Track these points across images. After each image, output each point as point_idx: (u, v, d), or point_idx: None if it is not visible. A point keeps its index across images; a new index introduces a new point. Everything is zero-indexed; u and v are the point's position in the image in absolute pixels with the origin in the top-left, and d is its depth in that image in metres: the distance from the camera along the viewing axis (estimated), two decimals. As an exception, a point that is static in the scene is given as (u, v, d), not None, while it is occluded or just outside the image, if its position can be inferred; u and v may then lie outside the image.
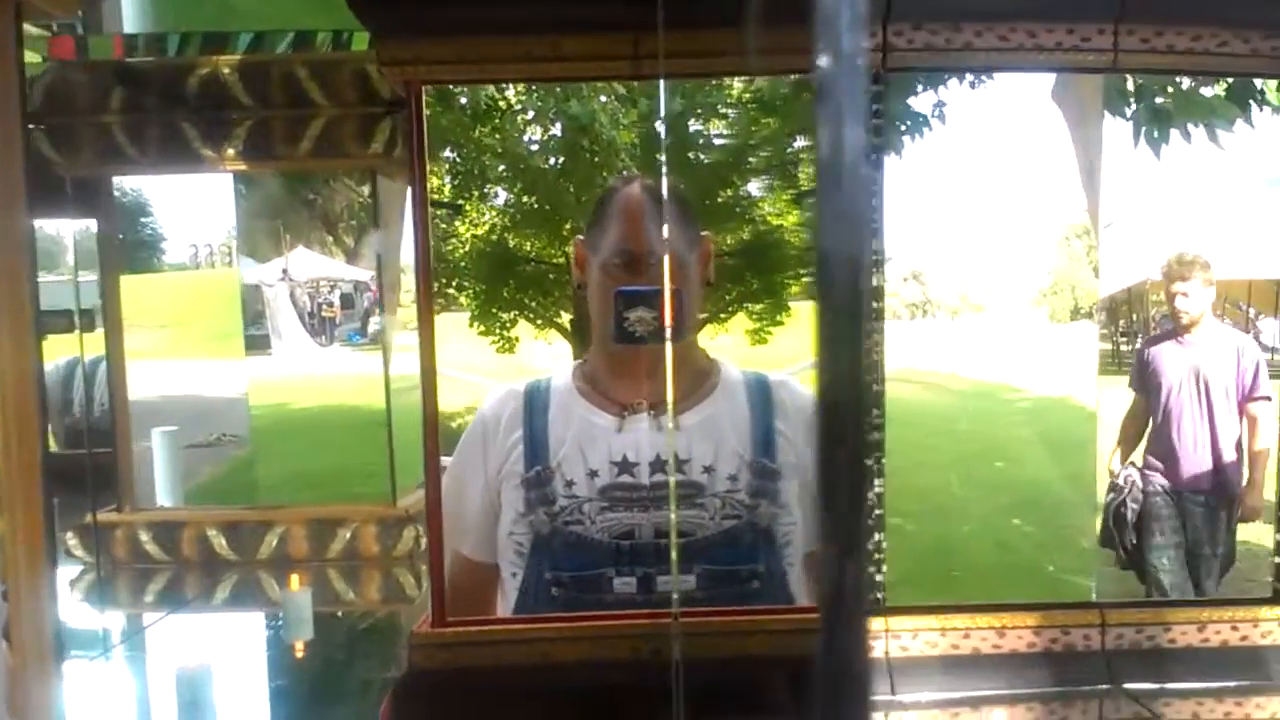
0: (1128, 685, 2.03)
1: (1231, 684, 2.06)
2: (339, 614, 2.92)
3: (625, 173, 2.29)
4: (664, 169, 2.06)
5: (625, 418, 1.99)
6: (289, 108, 3.05)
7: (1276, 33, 2.08)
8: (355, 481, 3.56)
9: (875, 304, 2.07)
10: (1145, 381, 3.31)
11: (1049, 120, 2.77)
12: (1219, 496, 3.02)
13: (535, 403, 2.02)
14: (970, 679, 2.02)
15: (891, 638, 2.03)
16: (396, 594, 3.03)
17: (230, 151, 3.09)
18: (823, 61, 0.40)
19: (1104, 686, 2.03)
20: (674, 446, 1.95)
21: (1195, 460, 3.16)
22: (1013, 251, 4.09)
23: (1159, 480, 3.20)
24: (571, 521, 1.95)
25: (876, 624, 2.03)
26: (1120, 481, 3.22)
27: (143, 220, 4.14)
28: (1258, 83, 3.46)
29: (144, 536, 3.26)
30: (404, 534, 3.18)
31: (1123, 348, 3.81)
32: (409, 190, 2.03)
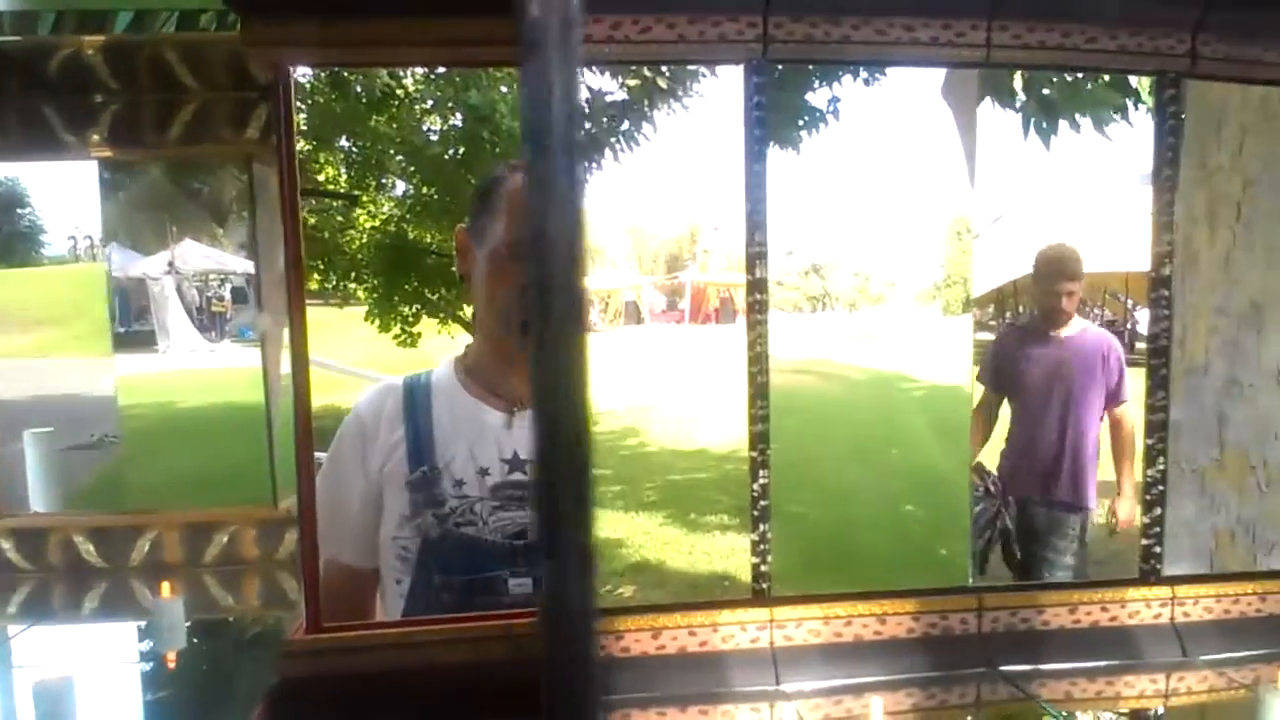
0: (1004, 667, 2.08)
1: (1102, 663, 2.12)
2: (219, 621, 2.81)
3: (511, 161, 2.23)
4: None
5: (515, 413, 1.93)
6: (158, 91, 2.92)
7: (1142, 30, 2.15)
8: (239, 482, 3.43)
9: (761, 296, 2.06)
10: (1001, 378, 3.19)
11: (939, 116, 2.82)
12: (1076, 508, 2.96)
13: (416, 399, 1.94)
14: (852, 666, 2.04)
15: (776, 628, 2.04)
16: (279, 599, 2.93)
17: (95, 138, 2.94)
18: (534, 10, 0.37)
19: (981, 669, 2.07)
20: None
21: (1054, 467, 3.06)
22: (908, 245, 4.17)
23: (1022, 486, 3.08)
24: (463, 523, 1.88)
25: (761, 614, 2.04)
26: (990, 488, 3.08)
27: (19, 211, 3.93)
28: (1133, 81, 3.59)
29: (5, 545, 3.09)
30: (286, 536, 3.08)
31: (1009, 338, 3.89)
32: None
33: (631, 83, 4.78)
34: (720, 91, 2.11)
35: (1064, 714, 1.97)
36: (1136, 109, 3.63)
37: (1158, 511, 2.20)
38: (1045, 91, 3.45)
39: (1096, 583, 2.27)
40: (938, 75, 2.70)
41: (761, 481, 2.00)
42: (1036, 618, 2.14)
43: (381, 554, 1.92)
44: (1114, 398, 3.07)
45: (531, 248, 0.36)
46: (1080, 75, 3.39)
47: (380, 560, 1.93)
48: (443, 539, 1.88)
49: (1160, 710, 2.07)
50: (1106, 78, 3.42)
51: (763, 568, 2.02)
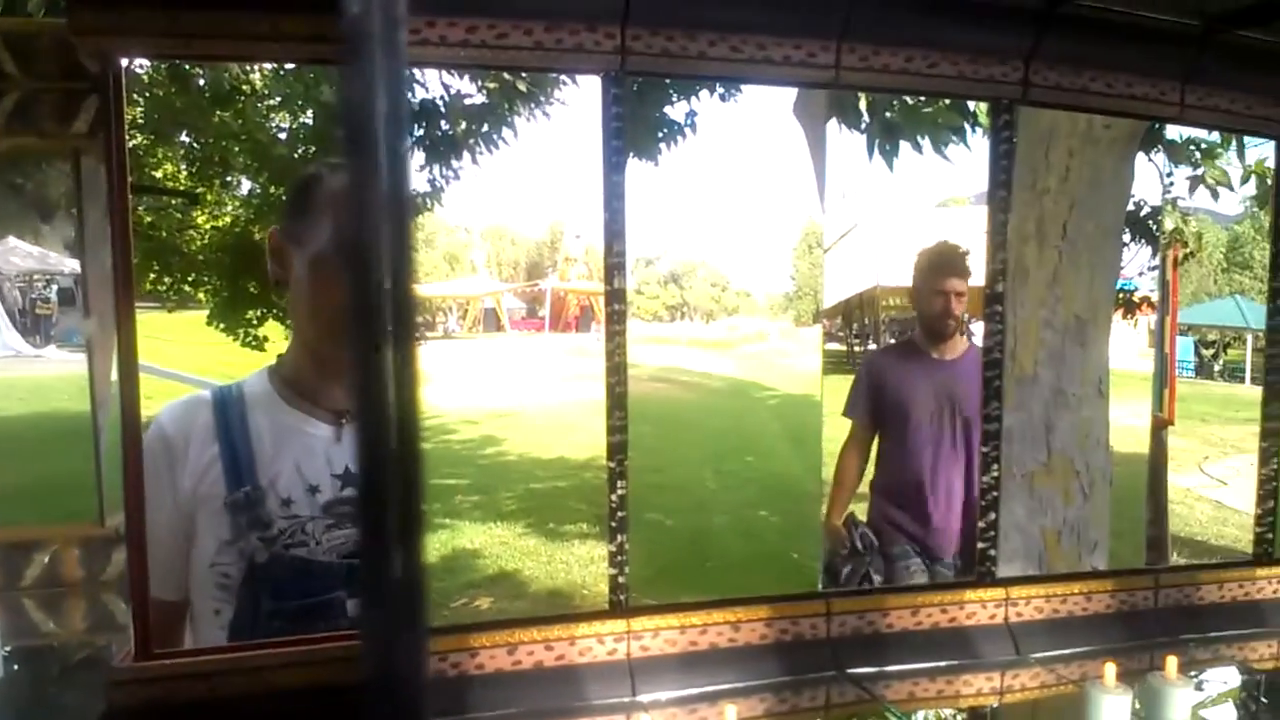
0: (851, 670, 2.14)
1: (942, 663, 2.21)
2: (40, 648, 2.61)
3: (330, 159, 2.12)
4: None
5: (344, 425, 1.82)
6: (-25, 79, 2.70)
7: (979, 58, 2.26)
8: (62, 497, 3.21)
9: (619, 306, 2.06)
10: (877, 408, 2.85)
11: (791, 133, 2.89)
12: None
13: (229, 413, 1.78)
14: (708, 674, 2.06)
15: (633, 639, 2.04)
16: (106, 623, 2.74)
17: (-100, 128, 2.69)
18: (354, 8, 0.35)
19: (830, 672, 2.13)
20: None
21: (944, 517, 2.75)
22: (762, 257, 4.26)
23: (903, 539, 2.73)
24: (293, 545, 1.75)
25: (619, 626, 2.03)
26: (858, 544, 2.66)
27: None
28: (971, 106, 3.79)
29: None
30: (113, 556, 2.89)
31: (856, 349, 4.01)
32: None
33: (490, 85, 4.73)
34: (582, 98, 2.10)
35: (905, 714, 2.04)
36: (974, 132, 3.84)
37: (992, 516, 2.31)
38: (888, 114, 3.60)
39: (937, 585, 2.37)
40: (790, 93, 2.78)
41: (619, 492, 2.00)
42: (882, 620, 2.21)
43: (194, 583, 1.77)
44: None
45: (351, 253, 0.33)
46: (922, 99, 3.55)
47: (193, 590, 1.77)
48: (271, 563, 1.74)
49: (994, 706, 2.17)
50: (947, 102, 3.59)
51: (620, 579, 2.02)
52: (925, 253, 2.90)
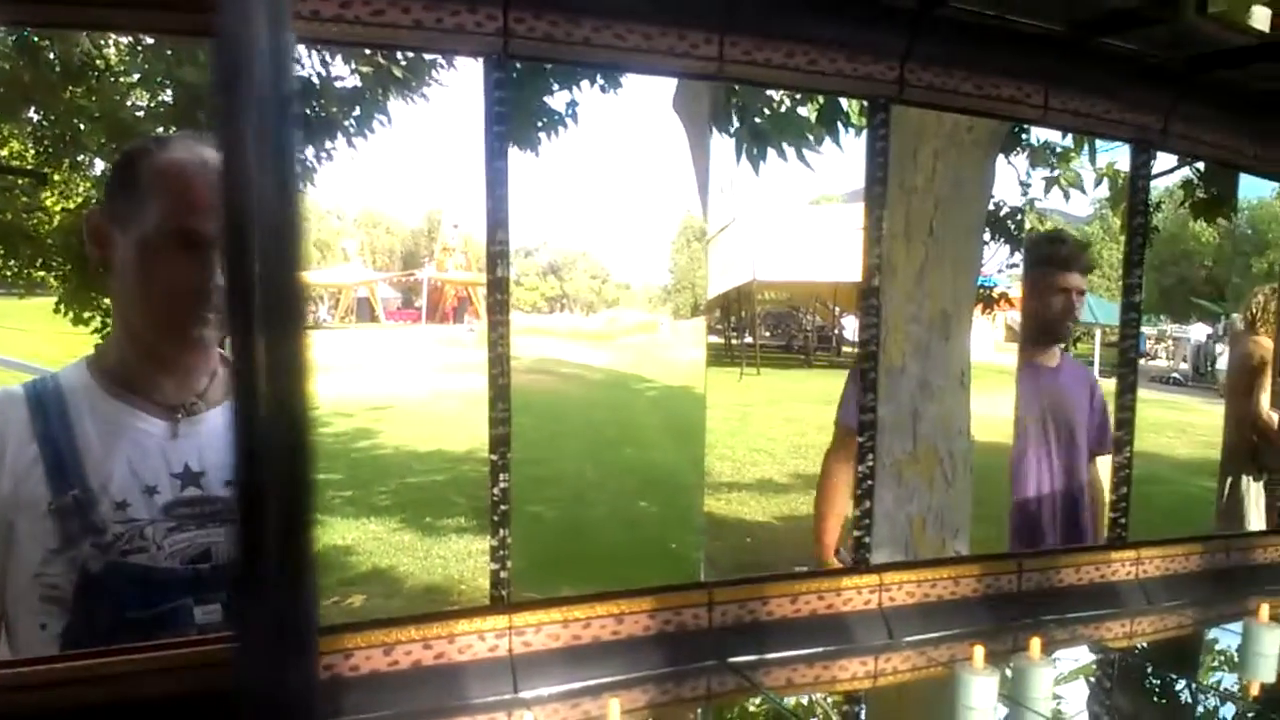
0: (732, 659, 2.16)
1: (819, 649, 2.26)
2: None
3: (156, 135, 1.97)
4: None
5: (180, 420, 1.72)
6: None
7: (857, 56, 2.30)
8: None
9: (502, 296, 2.02)
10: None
11: (671, 128, 2.89)
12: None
13: (48, 410, 1.63)
14: (592, 668, 2.04)
15: (515, 634, 2.00)
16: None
17: None
18: None
19: (711, 662, 2.14)
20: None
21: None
22: (641, 251, 4.26)
23: None
24: (132, 551, 1.62)
25: (500, 621, 1.99)
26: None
27: None
28: (844, 104, 3.87)
29: None
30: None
31: (734, 341, 4.04)
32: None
33: (364, 69, 4.59)
34: (460, 84, 2.05)
35: (782, 700, 2.07)
36: (847, 132, 3.93)
37: (868, 504, 2.37)
38: (757, 120, 3.66)
39: (815, 573, 2.41)
40: (669, 87, 2.78)
41: (501, 485, 1.96)
42: (762, 609, 2.24)
43: (12, 595, 1.62)
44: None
45: (230, 232, 0.29)
46: (790, 105, 3.61)
47: (11, 603, 1.63)
48: (108, 572, 1.60)
49: (868, 690, 2.23)
50: (813, 113, 3.65)
51: (502, 574, 1.98)
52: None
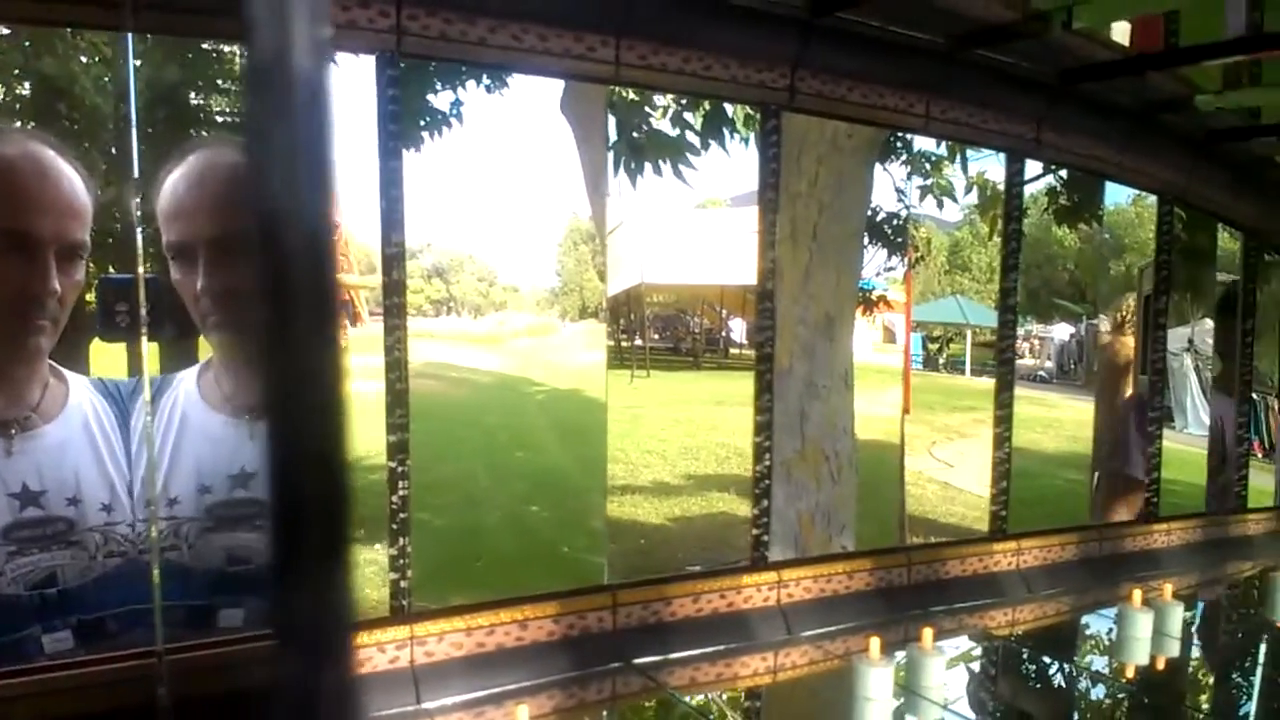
0: (636, 660, 2.16)
1: (721, 647, 2.28)
2: None
3: None
4: (134, 136, 1.74)
5: (14, 437, 1.61)
6: None
7: (750, 63, 2.34)
8: None
9: (398, 299, 1.98)
10: None
11: (558, 131, 2.87)
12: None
13: None
14: (496, 675, 2.01)
15: (416, 645, 1.96)
16: None
17: None
18: None
19: (616, 664, 2.14)
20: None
21: None
22: (529, 254, 4.21)
23: None
24: None
25: (401, 632, 1.95)
26: None
27: None
28: (730, 111, 3.93)
29: None
30: None
31: (623, 344, 4.05)
32: None
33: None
34: (344, 80, 1.99)
35: (685, 698, 2.08)
36: (732, 138, 3.98)
37: (765, 503, 2.41)
38: (635, 135, 3.68)
39: (716, 571, 2.44)
40: (556, 90, 2.76)
41: (401, 493, 1.91)
42: (665, 609, 2.25)
43: None
44: None
45: (268, 234, 0.28)
46: (671, 113, 3.64)
47: None
48: None
49: (768, 685, 2.27)
50: (699, 120, 3.68)
51: (402, 584, 1.94)
52: None
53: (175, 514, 1.62)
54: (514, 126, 3.17)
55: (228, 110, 2.10)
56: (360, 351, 2.11)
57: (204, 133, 2.08)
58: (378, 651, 1.91)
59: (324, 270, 0.28)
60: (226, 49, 2.04)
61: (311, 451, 0.28)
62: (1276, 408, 4.45)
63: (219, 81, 2.10)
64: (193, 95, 2.07)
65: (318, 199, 0.28)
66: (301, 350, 0.28)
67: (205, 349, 1.81)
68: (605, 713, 2.09)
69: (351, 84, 2.00)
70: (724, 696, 2.19)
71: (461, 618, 2.01)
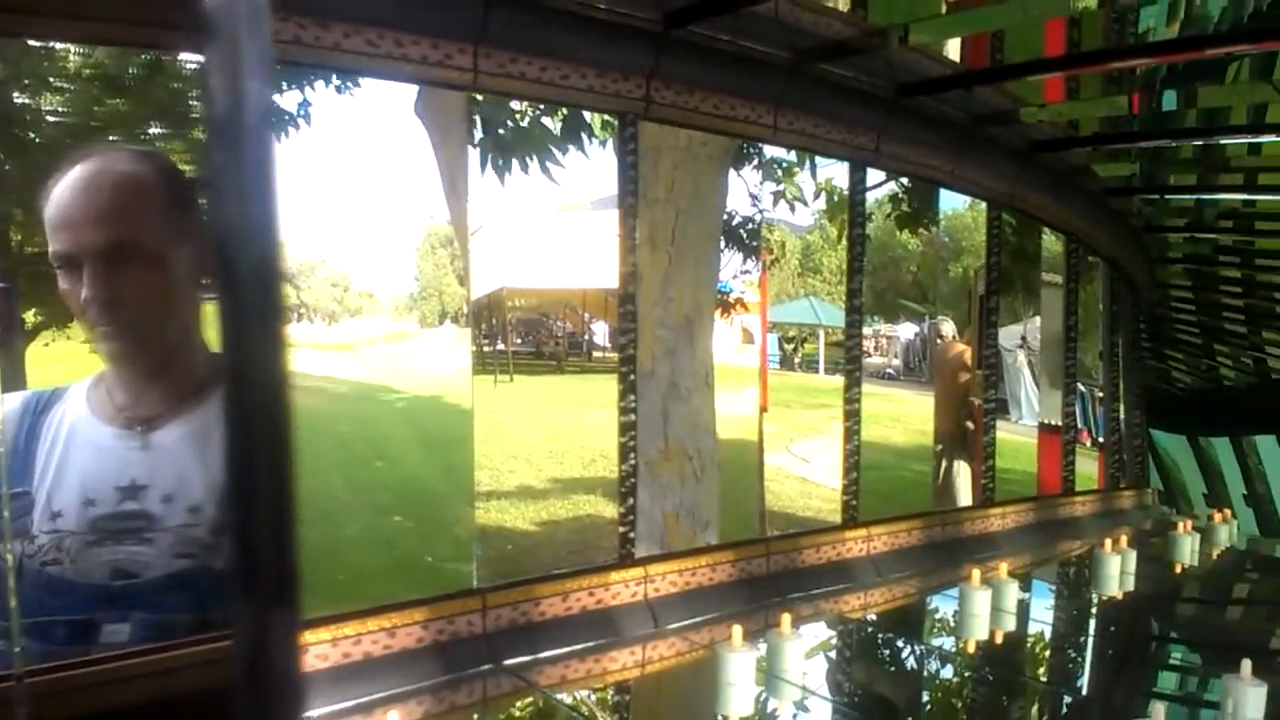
0: (508, 661, 2.18)
1: (591, 644, 2.32)
2: None
3: None
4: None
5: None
6: None
7: (607, 73, 2.40)
8: None
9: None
10: None
11: (413, 133, 2.85)
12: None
13: None
14: (364, 685, 1.99)
15: (280, 659, 1.92)
16: None
17: None
18: None
19: (487, 667, 2.15)
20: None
21: None
22: (385, 258, 4.13)
23: None
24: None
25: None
26: None
27: None
28: (588, 116, 3.98)
29: None
30: None
31: (485, 348, 4.02)
32: None
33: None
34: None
35: (554, 695, 2.12)
36: (591, 142, 4.04)
37: (631, 502, 2.47)
38: (500, 131, 3.68)
39: (584, 570, 2.48)
40: (411, 93, 2.75)
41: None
42: (534, 610, 2.27)
43: None
44: None
45: (223, 247, 0.31)
46: (530, 118, 3.67)
47: None
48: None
49: (636, 679, 2.32)
50: (558, 125, 3.72)
51: (264, 597, 1.90)
52: None
53: (58, 528, 1.56)
54: (366, 128, 3.12)
55: (60, 109, 2.01)
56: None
57: (30, 134, 1.99)
58: (240, 667, 1.87)
59: (273, 291, 0.31)
60: (59, 47, 1.96)
61: (263, 453, 0.31)
62: (1099, 399, 4.83)
63: (50, 80, 2.01)
64: (18, 94, 1.97)
65: (267, 229, 0.31)
66: (255, 360, 0.30)
67: (45, 358, 1.74)
68: (476, 715, 2.10)
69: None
70: (593, 697, 2.23)
71: (327, 629, 1.98)
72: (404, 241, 4.01)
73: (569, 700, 2.14)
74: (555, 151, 3.83)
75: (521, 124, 3.66)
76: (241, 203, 0.32)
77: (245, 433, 0.32)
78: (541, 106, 3.79)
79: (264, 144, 0.32)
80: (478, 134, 3.64)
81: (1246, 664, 1.97)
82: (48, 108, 2.02)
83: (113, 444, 1.65)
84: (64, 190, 1.60)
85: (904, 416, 4.29)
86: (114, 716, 1.66)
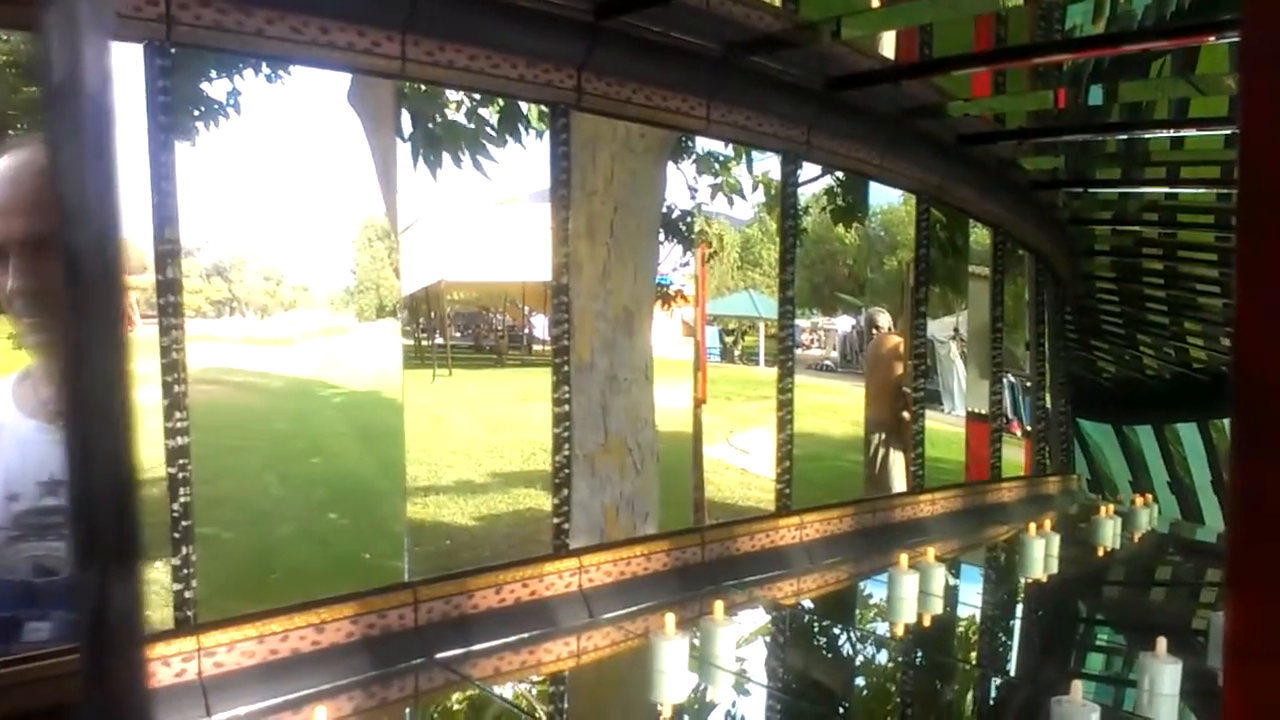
0: (440, 654, 2.17)
1: (525, 635, 2.32)
2: None
3: None
4: None
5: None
6: None
7: (538, 63, 2.39)
8: None
9: (173, 298, 1.90)
10: None
11: (346, 122, 2.81)
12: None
13: None
14: (292, 681, 1.97)
15: (205, 656, 1.89)
16: None
17: None
18: None
19: (419, 660, 2.13)
20: None
21: None
22: (320, 250, 4.06)
23: None
24: None
25: (187, 644, 1.87)
26: None
27: None
28: (525, 108, 3.96)
29: None
30: None
31: (424, 342, 3.98)
32: None
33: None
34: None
35: (489, 688, 2.11)
36: (528, 134, 4.01)
37: (565, 493, 2.47)
38: (430, 126, 3.64)
39: (518, 562, 2.47)
40: (345, 81, 2.71)
41: (183, 500, 1.84)
42: (467, 602, 2.26)
43: None
44: None
45: (59, 221, 0.30)
46: (466, 109, 3.64)
47: None
48: None
49: (571, 669, 2.33)
50: (495, 115, 3.70)
51: (187, 594, 1.86)
52: None
53: None
54: (299, 117, 3.06)
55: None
56: (136, 356, 2.01)
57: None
58: (162, 666, 1.83)
59: (113, 272, 0.30)
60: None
61: (101, 447, 0.31)
62: (1027, 388, 4.94)
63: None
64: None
65: (106, 206, 0.30)
66: (91, 350, 0.30)
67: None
68: (408, 709, 2.09)
69: (118, 72, 1.90)
70: (535, 688, 2.23)
71: (253, 625, 1.95)
72: (340, 234, 3.94)
73: (503, 692, 2.14)
74: (488, 145, 3.80)
75: (453, 117, 3.62)
76: (79, 176, 0.31)
77: (83, 404, 0.31)
78: (478, 98, 3.76)
79: (104, 116, 0.32)
80: (407, 128, 3.60)
81: (1162, 642, 2.04)
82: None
83: (36, 437, 1.63)
84: None
85: (841, 408, 4.35)
86: (37, 716, 1.62)
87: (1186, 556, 4.34)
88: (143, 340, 1.94)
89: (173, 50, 1.90)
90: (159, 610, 1.87)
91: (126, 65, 1.87)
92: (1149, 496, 4.43)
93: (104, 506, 0.32)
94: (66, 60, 0.31)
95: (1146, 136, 4.13)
